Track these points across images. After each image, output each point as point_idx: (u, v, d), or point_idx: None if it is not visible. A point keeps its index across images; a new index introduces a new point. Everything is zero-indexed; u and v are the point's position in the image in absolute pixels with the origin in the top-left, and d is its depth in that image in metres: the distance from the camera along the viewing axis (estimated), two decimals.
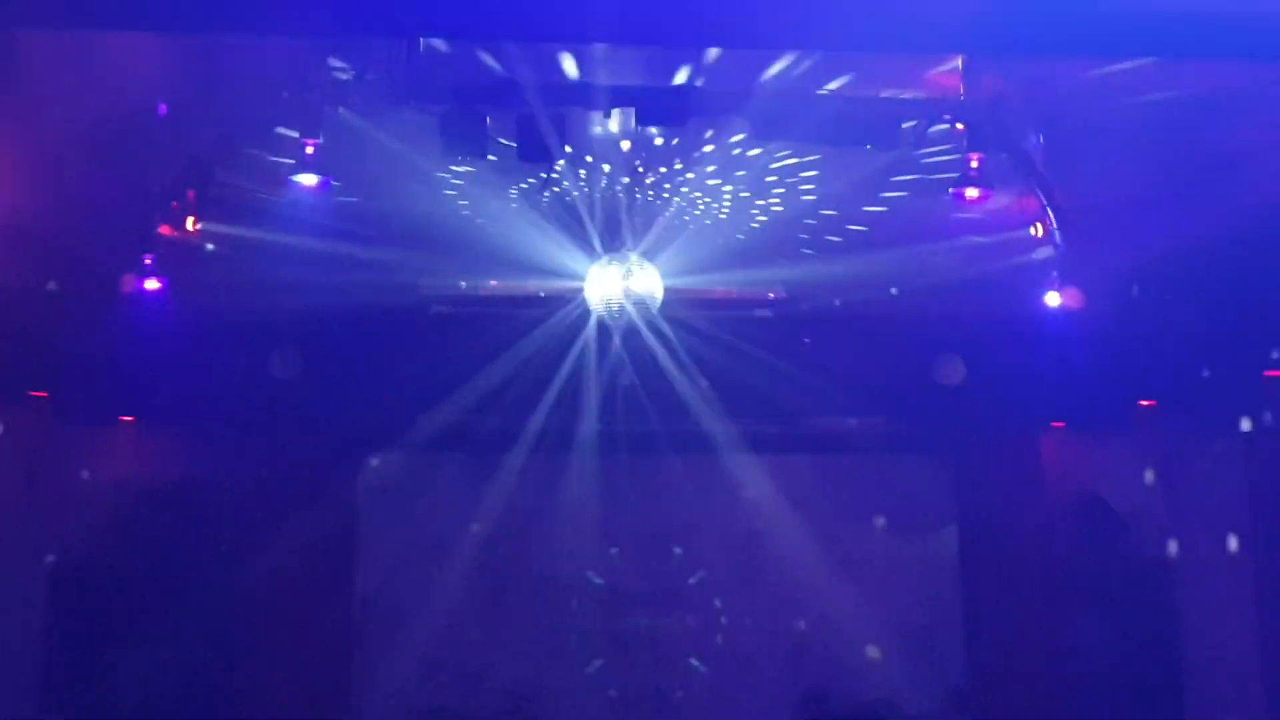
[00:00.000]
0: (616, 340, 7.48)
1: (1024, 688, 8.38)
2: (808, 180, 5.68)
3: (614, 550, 8.85)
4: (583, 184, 5.61)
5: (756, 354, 8.02)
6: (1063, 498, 8.60)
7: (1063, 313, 7.13)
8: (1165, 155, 5.45)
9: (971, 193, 4.49)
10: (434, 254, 6.42)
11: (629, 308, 5.92)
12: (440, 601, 8.70)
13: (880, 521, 8.83)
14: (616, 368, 8.14)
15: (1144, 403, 7.62)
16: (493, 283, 7.94)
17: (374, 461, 8.56)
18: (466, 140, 4.32)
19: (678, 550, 8.84)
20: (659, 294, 5.99)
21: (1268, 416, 7.11)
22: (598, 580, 8.84)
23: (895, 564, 8.81)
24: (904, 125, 4.40)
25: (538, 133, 4.32)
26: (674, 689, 8.70)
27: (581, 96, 4.34)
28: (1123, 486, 8.41)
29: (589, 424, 8.44)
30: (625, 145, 4.95)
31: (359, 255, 6.26)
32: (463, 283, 7.30)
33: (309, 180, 4.42)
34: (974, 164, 4.41)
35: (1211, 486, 7.74)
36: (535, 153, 4.42)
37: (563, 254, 6.24)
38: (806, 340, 8.00)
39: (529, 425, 8.40)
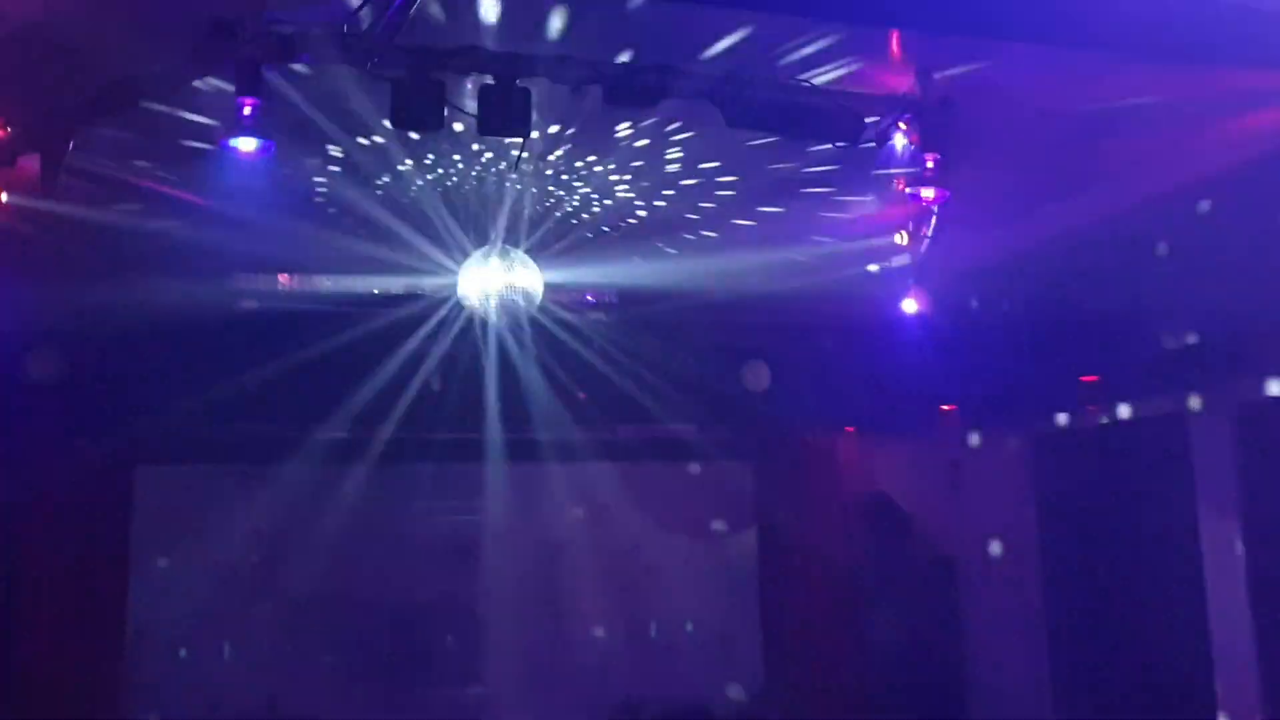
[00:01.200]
0: (441, 342, 7.08)
1: (820, 683, 8.60)
2: (699, 180, 5.57)
3: (414, 565, 8.38)
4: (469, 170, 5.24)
5: (574, 359, 7.83)
6: (855, 499, 8.90)
7: (884, 319, 7.43)
8: (1028, 165, 5.70)
9: (927, 193, 4.53)
10: (288, 244, 5.81)
11: (508, 304, 5.56)
12: (222, 628, 7.93)
13: (685, 526, 8.84)
14: (425, 371, 7.70)
15: (945, 407, 8.00)
16: (288, 276, 7.32)
17: (150, 475, 7.66)
18: (424, 108, 3.88)
19: (482, 562, 8.47)
20: (539, 290, 5.68)
21: (1066, 421, 7.67)
22: (396, 598, 8.34)
23: (700, 568, 8.84)
24: (867, 120, 4.37)
25: (504, 103, 3.95)
26: (482, 705, 8.32)
27: (551, 69, 4.02)
28: (915, 487, 8.82)
29: (386, 431, 7.94)
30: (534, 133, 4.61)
31: (199, 241, 5.54)
32: (285, 277, 6.66)
33: (247, 145, 3.80)
34: (930, 164, 4.45)
35: (1002, 488, 8.25)
36: (500, 126, 4.04)
37: (430, 247, 5.82)
38: (624, 346, 7.86)
39: (322, 433, 7.80)
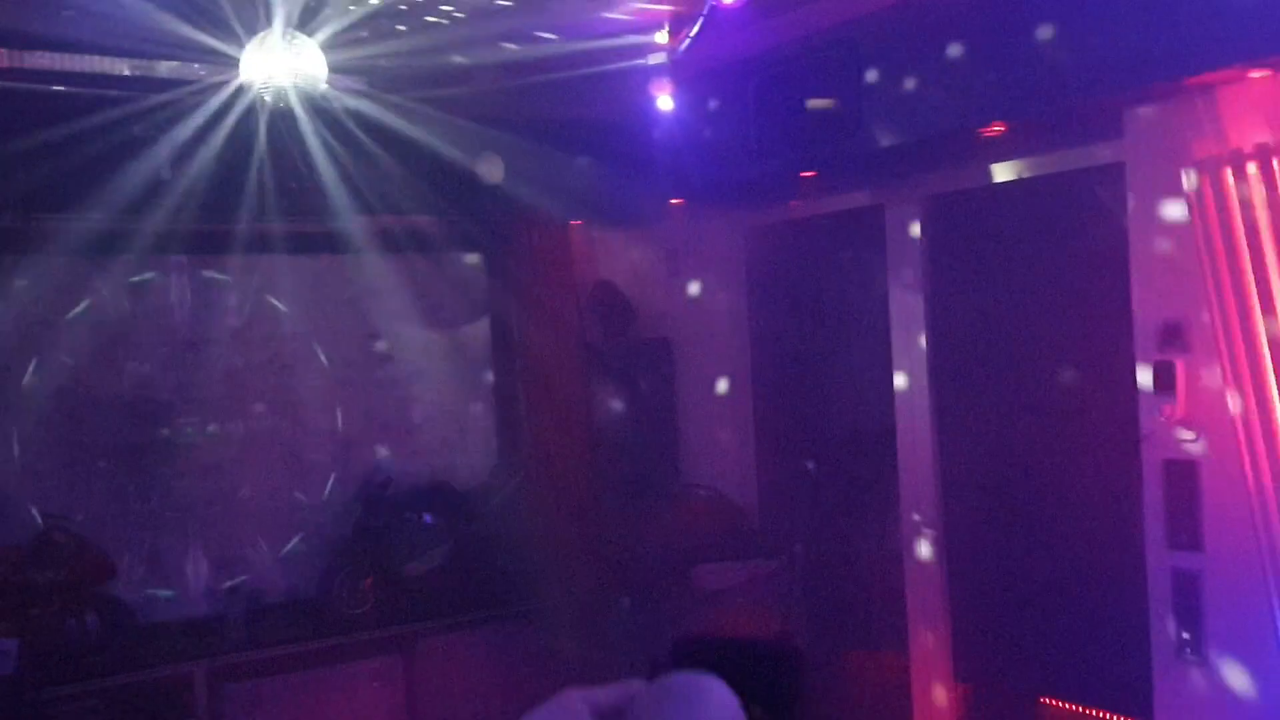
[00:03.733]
0: (203, 131, 6.92)
1: (549, 454, 9.36)
2: None
3: (153, 359, 8.30)
4: None
5: (317, 148, 7.80)
6: (582, 287, 9.55)
7: (623, 116, 7.96)
8: None
9: None
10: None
11: (293, 89, 5.59)
12: None
13: (423, 315, 9.20)
14: (173, 160, 7.47)
15: (673, 201, 8.70)
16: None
17: None
18: None
19: (224, 356, 8.50)
20: (324, 75, 5.73)
21: (780, 212, 8.59)
22: (133, 393, 8.27)
23: (437, 355, 9.27)
24: None
25: None
26: (227, 497, 8.51)
27: None
28: (639, 275, 9.58)
29: (121, 222, 7.71)
30: None
31: None
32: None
33: None
34: None
35: (718, 275, 9.15)
36: None
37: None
38: (366, 136, 7.91)
39: (55, 224, 7.50)
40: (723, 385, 9.28)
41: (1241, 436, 5.40)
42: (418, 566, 8.68)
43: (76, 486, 7.98)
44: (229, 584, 8.33)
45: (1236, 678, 5.50)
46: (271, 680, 7.81)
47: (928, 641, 7.62)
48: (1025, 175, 7.08)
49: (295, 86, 5.63)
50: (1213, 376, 5.56)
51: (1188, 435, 5.60)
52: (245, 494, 8.54)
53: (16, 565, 7.29)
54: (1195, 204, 5.55)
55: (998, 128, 6.55)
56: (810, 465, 8.13)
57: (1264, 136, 5.37)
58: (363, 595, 8.47)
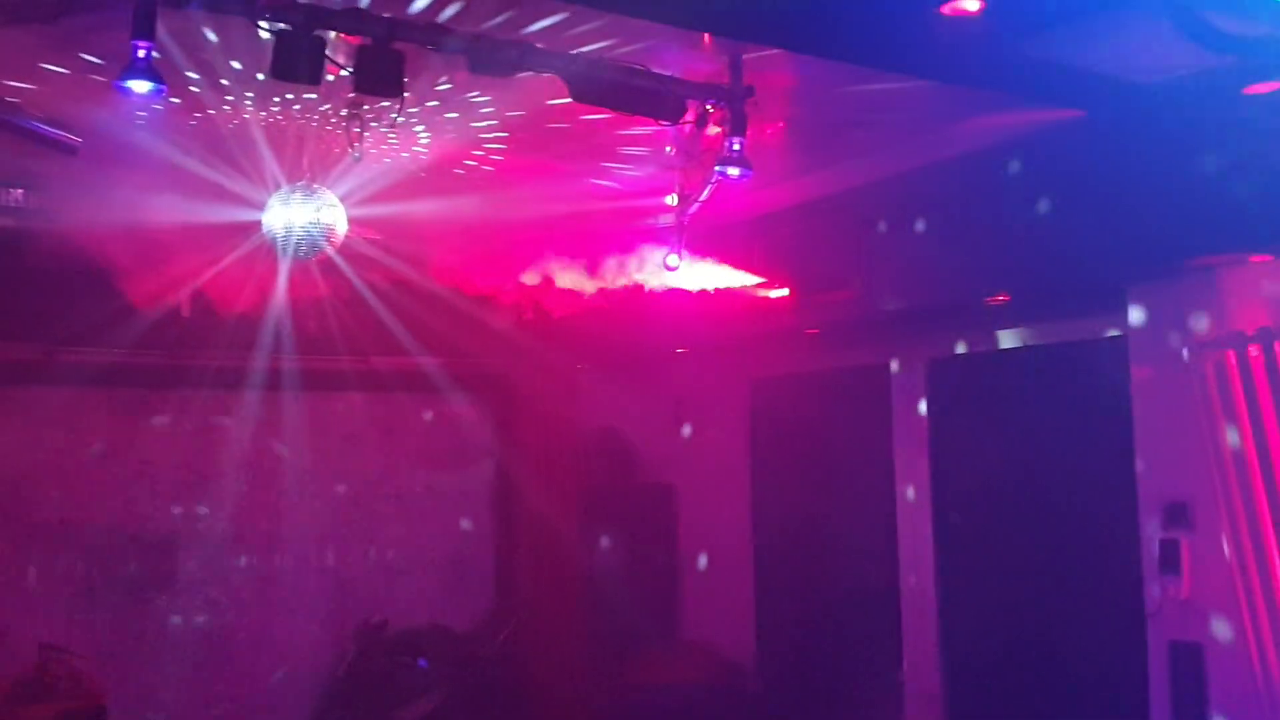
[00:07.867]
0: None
1: (547, 600, 9.26)
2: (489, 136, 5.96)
3: (158, 492, 8.30)
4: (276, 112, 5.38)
5: (336, 289, 7.93)
6: (587, 432, 9.57)
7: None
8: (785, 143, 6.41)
9: (733, 172, 5.09)
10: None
11: (310, 238, 5.71)
12: None
13: (428, 457, 9.20)
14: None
15: (679, 350, 8.79)
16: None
17: None
18: (306, 62, 4.03)
19: (228, 490, 8.50)
20: (342, 226, 5.86)
21: (781, 368, 8.61)
22: (138, 525, 8.25)
23: (441, 497, 9.25)
24: (689, 103, 4.90)
25: (378, 65, 4.17)
26: (225, 631, 8.41)
27: (426, 36, 4.25)
28: (643, 421, 9.61)
29: (134, 358, 7.81)
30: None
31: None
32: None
33: (141, 87, 3.80)
34: (736, 146, 5.02)
35: (721, 424, 9.17)
36: (374, 86, 4.24)
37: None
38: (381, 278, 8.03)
39: (65, 355, 7.59)
40: (725, 534, 9.22)
41: (1247, 619, 5.34)
42: (408, 714, 8.50)
43: (76, 617, 7.92)
44: None
45: None
46: None
47: None
48: (1030, 343, 7.15)
49: (311, 234, 5.75)
50: (1219, 556, 5.52)
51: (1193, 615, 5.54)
52: (239, 630, 8.43)
53: (9, 698, 7.19)
54: (1198, 383, 5.59)
55: (1001, 298, 6.64)
56: None
57: (1265, 320, 5.43)
58: None
